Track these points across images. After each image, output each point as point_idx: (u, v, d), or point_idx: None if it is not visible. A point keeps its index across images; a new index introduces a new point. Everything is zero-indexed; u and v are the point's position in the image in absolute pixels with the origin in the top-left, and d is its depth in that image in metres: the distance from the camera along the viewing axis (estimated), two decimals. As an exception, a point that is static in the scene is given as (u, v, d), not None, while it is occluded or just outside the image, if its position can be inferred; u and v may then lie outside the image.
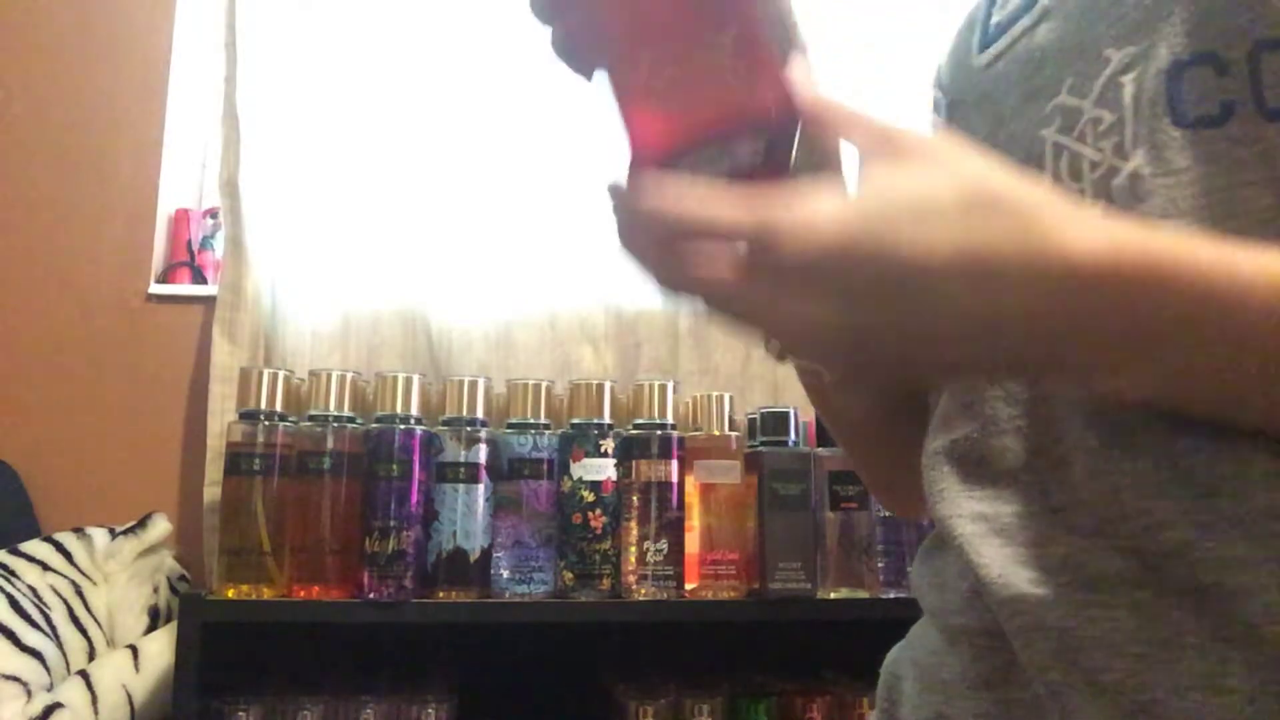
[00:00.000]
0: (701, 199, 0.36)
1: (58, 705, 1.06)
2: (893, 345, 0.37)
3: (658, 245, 0.38)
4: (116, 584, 1.23)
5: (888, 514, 1.22)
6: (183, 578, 1.32)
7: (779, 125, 0.37)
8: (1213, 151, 0.40)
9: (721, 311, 0.39)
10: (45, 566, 1.20)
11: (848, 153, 0.41)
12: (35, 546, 1.23)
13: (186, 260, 1.56)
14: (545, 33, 0.44)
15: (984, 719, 0.46)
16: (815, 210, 0.35)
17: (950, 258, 0.34)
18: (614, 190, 0.39)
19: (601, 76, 0.40)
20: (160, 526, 1.26)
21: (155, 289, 1.49)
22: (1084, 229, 0.35)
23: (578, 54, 0.42)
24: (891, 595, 1.21)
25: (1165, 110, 0.42)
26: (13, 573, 1.18)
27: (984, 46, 0.54)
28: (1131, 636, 0.40)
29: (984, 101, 0.53)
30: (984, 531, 0.47)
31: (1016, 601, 0.43)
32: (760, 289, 0.36)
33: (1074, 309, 0.35)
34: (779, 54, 0.38)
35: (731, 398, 1.27)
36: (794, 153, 0.39)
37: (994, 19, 0.54)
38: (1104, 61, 0.45)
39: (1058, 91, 0.47)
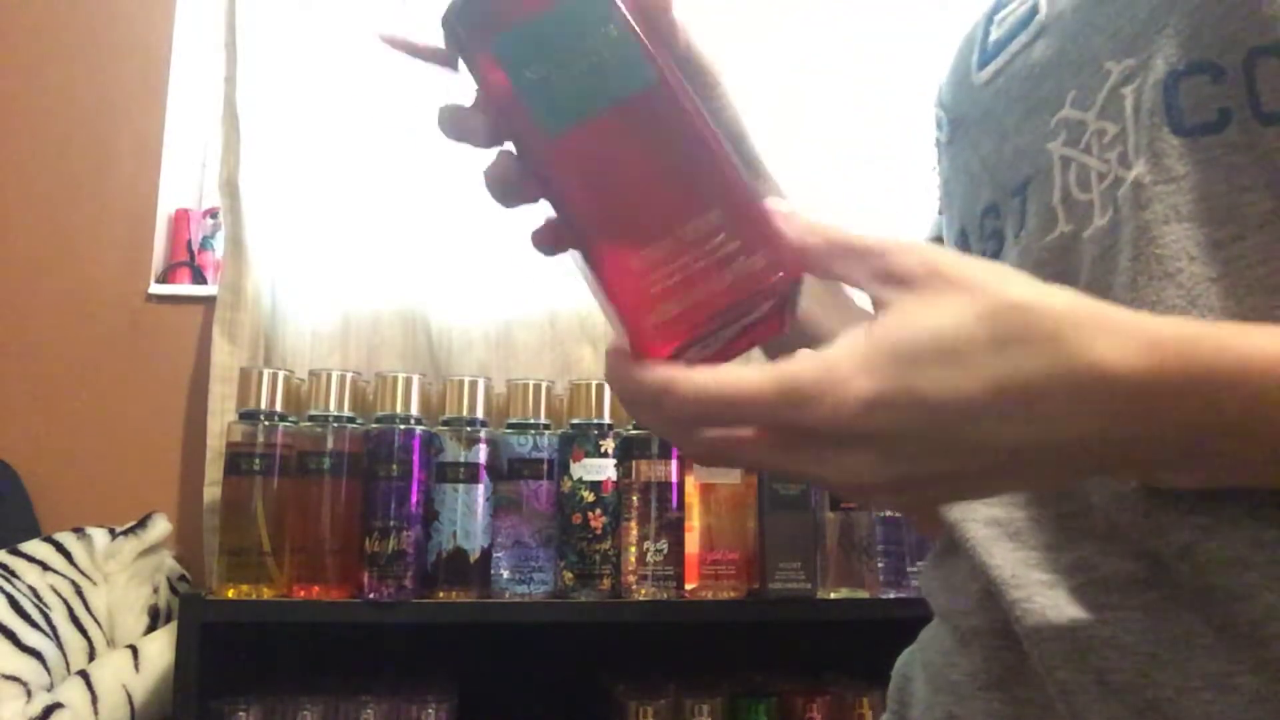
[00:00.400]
0: (720, 387, 0.35)
1: (58, 705, 1.06)
2: (940, 484, 0.36)
3: (680, 431, 0.37)
4: (116, 584, 1.23)
5: (888, 514, 1.23)
6: (183, 578, 1.32)
7: (784, 287, 0.36)
8: (1211, 158, 0.41)
9: (758, 470, 0.39)
10: (45, 566, 1.20)
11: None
12: (35, 546, 1.23)
13: (186, 260, 1.56)
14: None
15: (995, 719, 0.46)
16: (839, 370, 0.34)
17: (987, 397, 0.33)
18: (619, 382, 0.36)
19: (579, 259, 0.39)
20: (160, 526, 1.26)
21: (155, 289, 1.49)
22: (1117, 341, 0.33)
23: (546, 243, 0.40)
24: (891, 595, 1.21)
25: (1164, 119, 0.42)
26: (13, 573, 1.18)
27: (983, 64, 0.55)
28: (1142, 637, 0.40)
29: (986, 118, 0.53)
30: (996, 535, 0.47)
31: (1028, 602, 0.44)
32: (795, 454, 0.35)
33: (1120, 425, 0.34)
34: (764, 213, 0.36)
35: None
36: (799, 300, 0.38)
37: (992, 36, 0.54)
38: (1104, 74, 0.46)
39: (1061, 105, 0.47)
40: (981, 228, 0.54)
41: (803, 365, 0.34)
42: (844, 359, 0.34)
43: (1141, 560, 0.41)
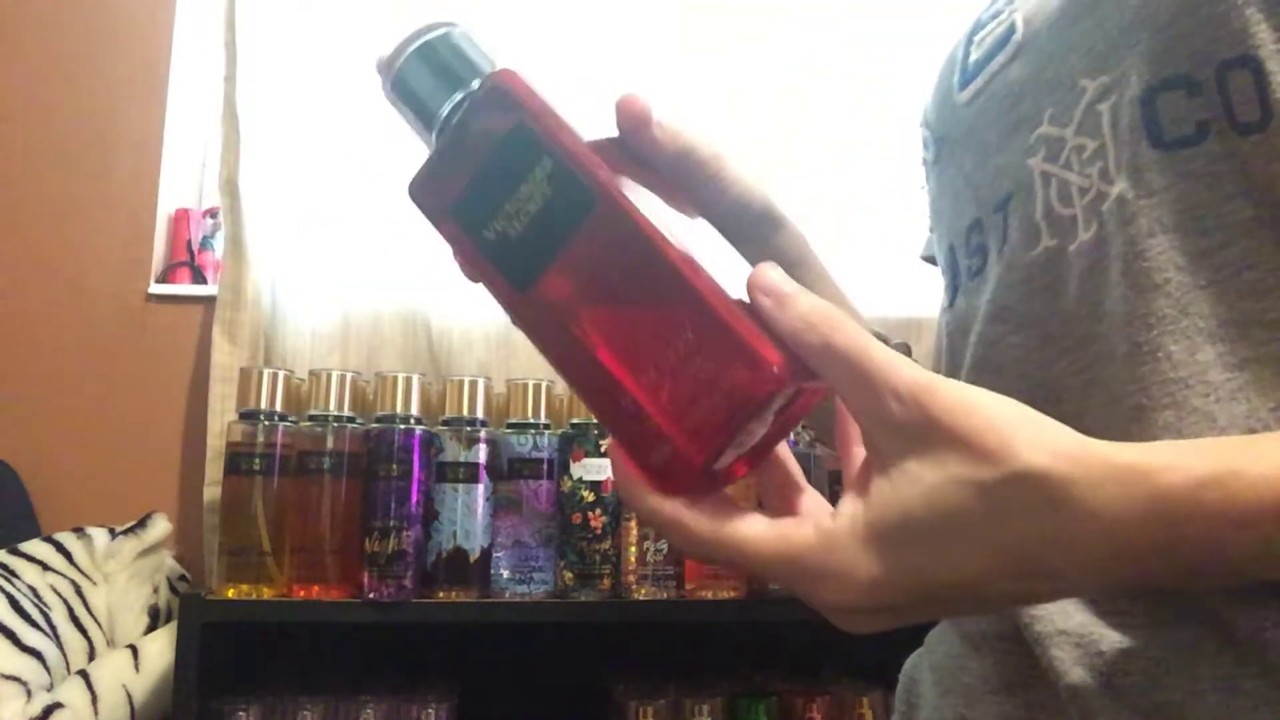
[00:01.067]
0: (723, 540, 0.36)
1: (58, 705, 1.06)
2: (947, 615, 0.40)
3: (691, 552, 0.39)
4: (116, 584, 1.23)
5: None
6: (183, 578, 1.32)
7: (785, 386, 0.34)
8: (1192, 170, 0.42)
9: None
10: (45, 566, 1.20)
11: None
12: (35, 546, 1.23)
13: (186, 260, 1.56)
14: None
15: None
16: (841, 551, 0.34)
17: (989, 565, 0.33)
18: (634, 507, 0.38)
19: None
20: (160, 526, 1.26)
21: (155, 289, 1.49)
22: (1118, 492, 0.32)
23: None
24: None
25: (1143, 134, 0.43)
26: (13, 573, 1.18)
27: (964, 84, 0.56)
28: (1149, 643, 0.41)
29: (969, 137, 0.55)
30: None
31: (1038, 608, 0.45)
32: (797, 589, 0.36)
33: (1121, 569, 0.34)
34: (735, 321, 0.34)
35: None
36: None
37: (971, 57, 0.55)
38: (1080, 91, 0.46)
39: (1039, 122, 0.48)
40: (968, 243, 0.55)
41: (805, 540, 0.35)
42: (845, 537, 0.34)
43: None
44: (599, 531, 1.19)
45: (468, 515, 1.17)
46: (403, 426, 1.18)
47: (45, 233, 1.49)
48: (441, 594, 1.15)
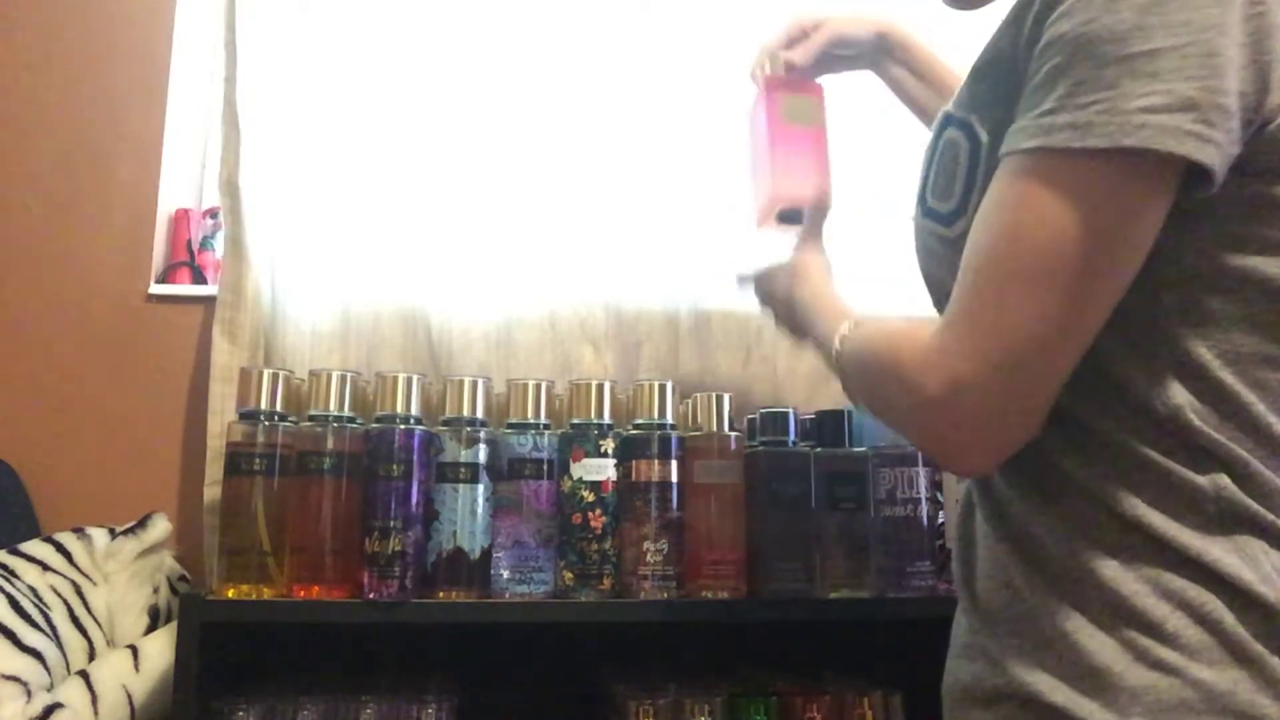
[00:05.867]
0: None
1: (58, 705, 1.06)
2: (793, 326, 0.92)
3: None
4: (116, 584, 1.23)
5: (888, 514, 1.22)
6: (183, 578, 1.32)
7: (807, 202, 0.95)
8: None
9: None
10: (45, 566, 1.20)
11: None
12: (35, 546, 1.23)
13: (186, 260, 1.56)
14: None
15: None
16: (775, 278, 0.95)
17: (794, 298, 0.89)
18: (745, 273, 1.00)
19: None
20: (160, 526, 1.26)
21: (155, 289, 1.49)
22: (809, 285, 0.88)
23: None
24: (891, 595, 1.21)
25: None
26: (13, 573, 1.18)
27: None
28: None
29: None
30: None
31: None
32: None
33: (799, 315, 0.88)
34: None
35: (731, 398, 1.27)
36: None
37: None
38: None
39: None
40: None
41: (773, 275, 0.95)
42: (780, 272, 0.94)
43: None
44: (599, 531, 1.19)
45: (468, 515, 1.17)
46: (403, 426, 1.18)
47: (45, 233, 1.49)
48: (441, 594, 1.15)
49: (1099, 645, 0.58)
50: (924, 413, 0.63)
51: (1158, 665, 0.56)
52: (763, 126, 0.97)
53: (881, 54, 1.08)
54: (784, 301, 0.91)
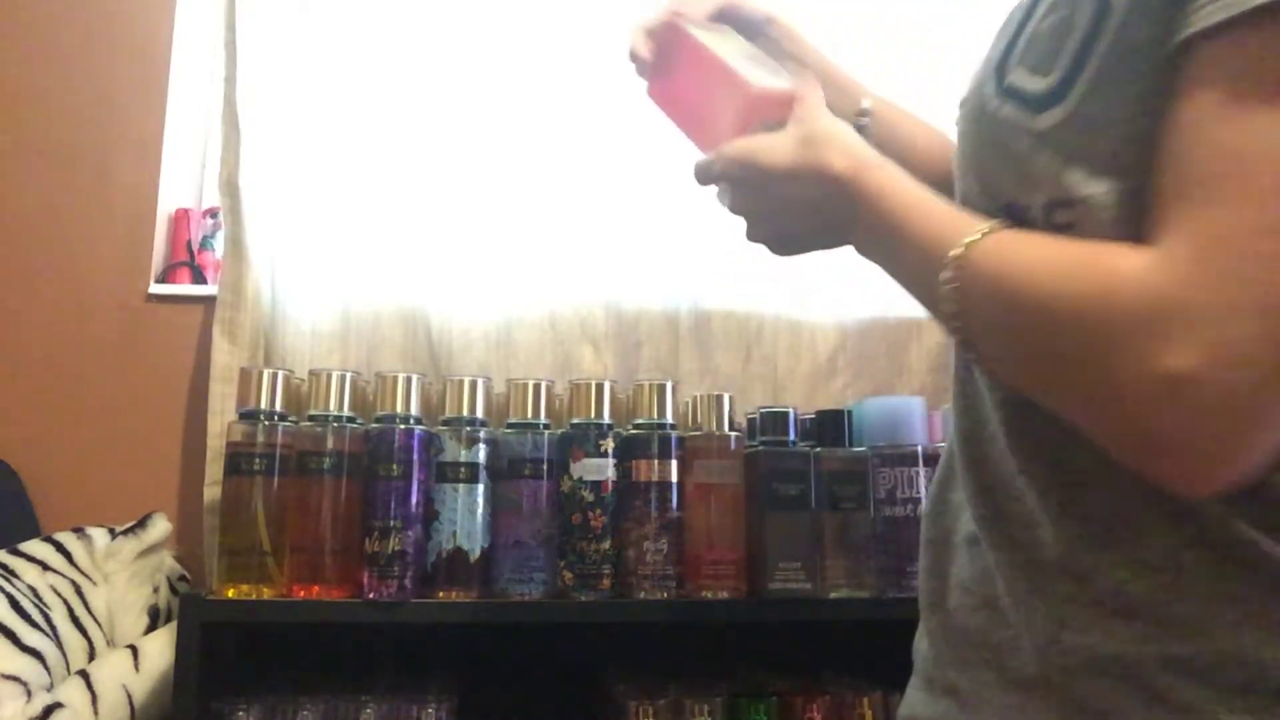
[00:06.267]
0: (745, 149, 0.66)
1: (58, 705, 1.06)
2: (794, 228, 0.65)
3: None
4: (116, 584, 1.23)
5: (888, 514, 1.22)
6: (183, 578, 1.32)
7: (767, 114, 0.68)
8: None
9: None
10: (45, 566, 1.20)
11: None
12: (35, 546, 1.23)
13: (186, 260, 1.56)
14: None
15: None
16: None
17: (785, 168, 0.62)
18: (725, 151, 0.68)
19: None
20: (160, 526, 1.26)
21: (155, 289, 1.49)
22: (843, 154, 0.60)
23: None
24: (891, 595, 1.21)
25: None
26: (13, 573, 1.18)
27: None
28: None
29: None
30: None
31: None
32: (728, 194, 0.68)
33: (828, 203, 0.60)
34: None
35: (731, 398, 1.27)
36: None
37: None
38: None
39: None
40: None
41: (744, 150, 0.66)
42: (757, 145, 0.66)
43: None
44: (599, 531, 1.19)
45: (468, 515, 1.17)
46: (403, 426, 1.18)
47: (45, 233, 1.49)
48: (441, 594, 1.15)
49: None
50: (1151, 392, 0.42)
51: None
52: (693, 62, 0.78)
53: (770, 42, 0.89)
54: (787, 189, 0.62)
